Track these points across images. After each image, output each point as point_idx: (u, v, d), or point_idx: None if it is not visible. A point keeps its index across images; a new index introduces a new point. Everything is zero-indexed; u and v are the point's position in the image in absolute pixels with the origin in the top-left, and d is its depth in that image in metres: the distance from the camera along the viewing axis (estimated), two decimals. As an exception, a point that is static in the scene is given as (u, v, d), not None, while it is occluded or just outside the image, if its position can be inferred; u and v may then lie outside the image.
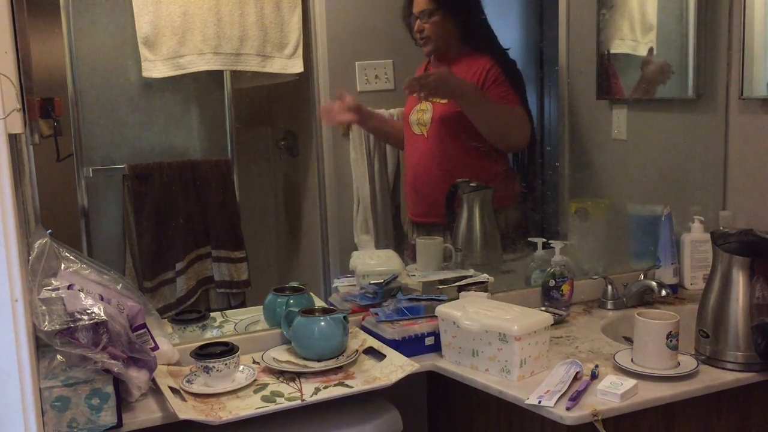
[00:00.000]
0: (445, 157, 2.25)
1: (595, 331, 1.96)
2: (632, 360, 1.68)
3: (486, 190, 2.21)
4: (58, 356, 1.46)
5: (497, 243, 2.25)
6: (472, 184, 2.21)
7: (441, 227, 2.26)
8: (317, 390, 1.61)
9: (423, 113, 2.23)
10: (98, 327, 1.43)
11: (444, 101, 2.21)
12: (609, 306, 2.13)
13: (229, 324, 1.98)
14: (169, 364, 1.71)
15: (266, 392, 1.61)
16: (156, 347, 1.62)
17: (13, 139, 1.30)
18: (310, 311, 1.77)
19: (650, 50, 2.40)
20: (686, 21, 2.37)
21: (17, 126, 1.21)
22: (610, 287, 2.15)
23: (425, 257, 2.15)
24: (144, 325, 1.59)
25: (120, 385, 1.48)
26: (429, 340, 1.82)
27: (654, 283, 2.09)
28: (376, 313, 1.88)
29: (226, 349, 1.65)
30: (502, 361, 1.65)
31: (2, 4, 1.20)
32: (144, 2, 1.94)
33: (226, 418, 1.49)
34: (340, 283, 2.10)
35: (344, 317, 1.75)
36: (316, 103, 2.17)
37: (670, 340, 1.64)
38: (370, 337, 1.84)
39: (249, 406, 1.54)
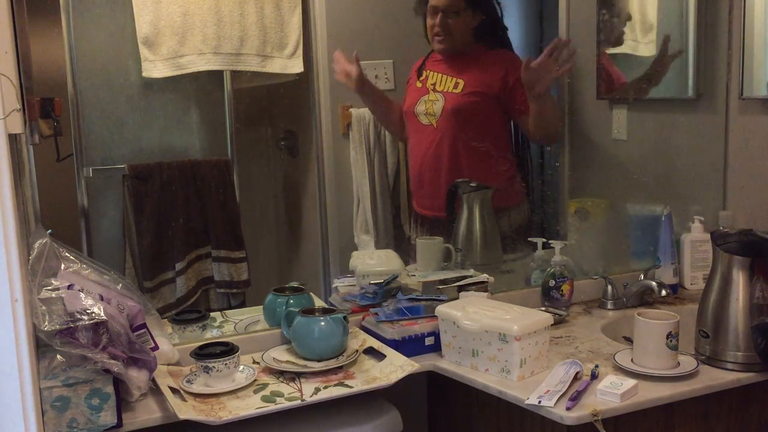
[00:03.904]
0: (453, 147, 2.24)
1: (595, 331, 1.96)
2: (632, 360, 1.68)
3: (486, 190, 2.21)
4: (58, 356, 1.46)
5: (497, 243, 2.25)
6: (472, 184, 2.21)
7: (445, 222, 2.25)
8: (317, 390, 1.61)
9: (432, 104, 2.22)
10: (98, 327, 1.43)
11: (457, 91, 2.21)
12: (609, 306, 2.13)
13: (229, 324, 1.98)
14: (169, 364, 1.71)
15: (266, 392, 1.61)
16: (156, 347, 1.62)
17: (13, 139, 1.30)
18: (310, 311, 1.77)
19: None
20: (686, 21, 2.37)
21: (17, 126, 1.21)
22: (610, 287, 2.15)
23: (425, 257, 2.15)
24: (144, 325, 1.59)
25: (120, 385, 1.48)
26: (429, 340, 1.82)
27: (654, 283, 2.09)
28: (376, 313, 1.88)
29: (226, 349, 1.65)
30: (502, 361, 1.65)
31: (2, 4, 1.20)
32: (144, 2, 1.94)
33: (226, 418, 1.49)
34: (340, 283, 2.10)
35: (344, 317, 1.75)
36: (316, 103, 2.17)
37: (670, 340, 1.64)
38: (370, 337, 1.84)
39: (249, 406, 1.54)
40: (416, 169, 2.28)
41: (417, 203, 2.30)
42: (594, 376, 1.63)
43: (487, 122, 2.26)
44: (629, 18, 2.38)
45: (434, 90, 2.24)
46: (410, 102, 2.27)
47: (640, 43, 2.41)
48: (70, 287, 1.47)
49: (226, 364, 1.62)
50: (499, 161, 2.29)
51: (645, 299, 2.14)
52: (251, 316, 2.00)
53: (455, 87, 2.22)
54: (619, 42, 2.40)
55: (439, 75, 2.24)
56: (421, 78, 2.26)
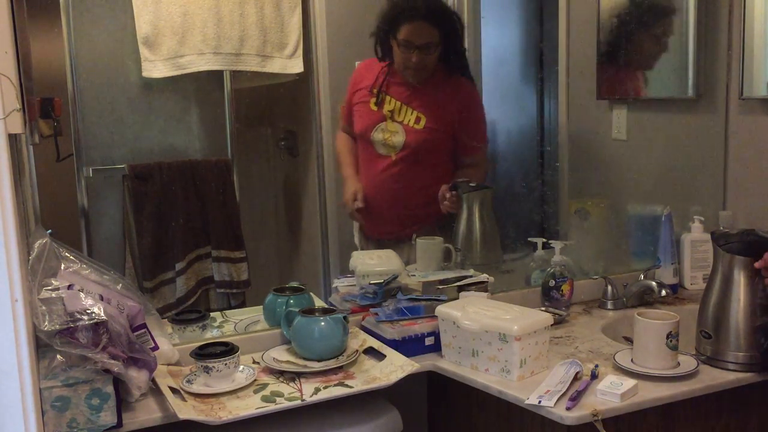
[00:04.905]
0: (411, 180, 2.20)
1: (595, 331, 1.96)
2: (632, 360, 1.68)
3: (485, 189, 2.21)
4: (58, 356, 1.46)
5: (497, 242, 2.25)
6: (471, 184, 2.20)
7: (402, 244, 2.20)
8: (317, 390, 1.61)
9: (392, 135, 2.16)
10: (98, 327, 1.43)
11: (419, 126, 2.15)
12: (609, 306, 2.13)
13: (229, 324, 1.98)
14: (169, 364, 1.71)
15: (266, 392, 1.61)
16: (156, 347, 1.62)
17: (13, 139, 1.30)
18: (310, 311, 1.77)
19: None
20: (686, 21, 2.37)
21: (17, 126, 1.21)
22: (610, 287, 2.15)
23: (425, 257, 2.15)
24: (144, 325, 1.59)
25: (120, 385, 1.48)
26: (429, 340, 1.82)
27: (654, 283, 2.09)
28: (376, 313, 1.88)
29: (226, 349, 1.65)
30: (502, 361, 1.65)
31: (2, 4, 1.20)
32: (144, 2, 1.94)
33: (226, 418, 1.49)
34: (340, 283, 2.10)
35: (344, 317, 1.75)
36: (316, 103, 2.17)
37: (670, 340, 1.64)
38: (370, 337, 1.84)
39: (249, 406, 1.54)
40: (371, 196, 2.20)
41: (370, 230, 2.24)
42: (594, 376, 1.63)
43: (442, 155, 2.22)
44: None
45: (392, 119, 2.16)
46: (365, 126, 2.18)
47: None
48: (70, 287, 1.47)
49: (226, 364, 1.62)
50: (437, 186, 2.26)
51: (645, 299, 2.14)
52: (251, 316, 2.00)
53: (417, 122, 2.16)
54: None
55: (398, 103, 2.16)
56: (375, 101, 2.17)
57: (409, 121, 2.16)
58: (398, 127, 2.16)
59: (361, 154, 2.23)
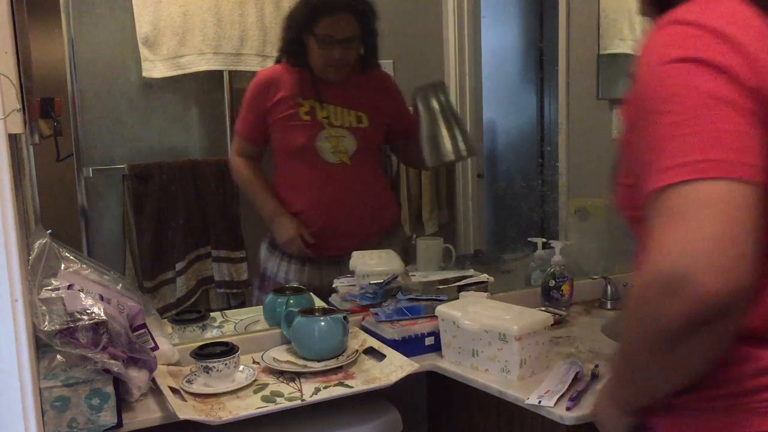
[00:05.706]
0: (367, 182, 2.16)
1: (595, 331, 1.96)
2: (632, 360, 1.68)
3: (434, 82, 2.09)
4: (58, 356, 1.46)
5: (465, 128, 2.11)
6: (417, 87, 2.06)
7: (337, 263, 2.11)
8: (317, 390, 1.61)
9: (339, 140, 2.05)
10: (98, 327, 1.43)
11: (363, 125, 2.08)
12: (609, 306, 2.13)
13: (229, 324, 1.98)
14: (169, 364, 1.71)
15: (266, 392, 1.61)
16: (156, 347, 1.62)
17: (13, 139, 1.30)
18: (310, 311, 1.77)
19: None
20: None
21: (17, 126, 1.21)
22: (610, 287, 2.15)
23: (425, 257, 2.15)
24: (144, 325, 1.59)
25: (120, 385, 1.48)
26: (429, 340, 1.82)
27: (654, 283, 2.09)
28: (376, 313, 1.88)
29: (226, 349, 1.65)
30: (502, 361, 1.65)
31: (2, 5, 1.20)
32: (144, 2, 1.95)
33: (226, 418, 1.49)
34: (340, 283, 2.10)
35: (344, 317, 1.75)
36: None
37: (670, 340, 1.64)
38: (370, 337, 1.84)
39: (249, 406, 1.54)
40: (325, 211, 2.11)
41: (324, 249, 2.14)
42: (594, 376, 1.63)
43: (378, 150, 2.20)
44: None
45: (331, 125, 2.06)
46: (304, 138, 2.06)
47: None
48: (70, 287, 1.47)
49: (226, 364, 1.62)
50: (386, 184, 2.27)
51: (645, 299, 2.13)
52: (251, 316, 2.00)
53: (359, 121, 2.08)
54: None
55: (331, 106, 2.07)
56: (305, 110, 2.05)
57: (351, 122, 2.08)
58: (343, 132, 2.07)
59: (303, 169, 2.10)
